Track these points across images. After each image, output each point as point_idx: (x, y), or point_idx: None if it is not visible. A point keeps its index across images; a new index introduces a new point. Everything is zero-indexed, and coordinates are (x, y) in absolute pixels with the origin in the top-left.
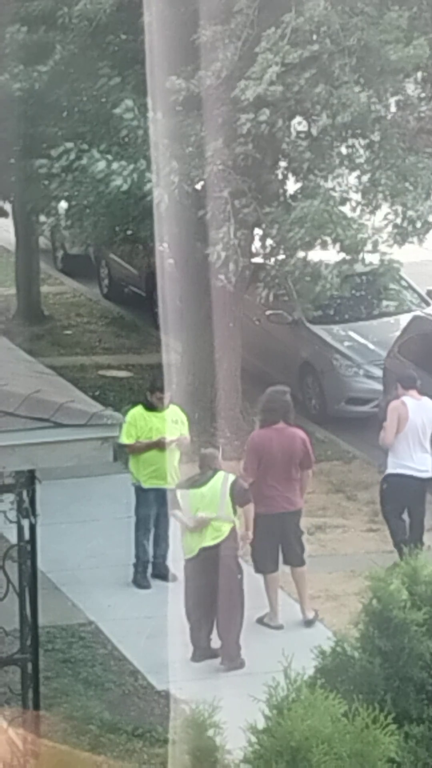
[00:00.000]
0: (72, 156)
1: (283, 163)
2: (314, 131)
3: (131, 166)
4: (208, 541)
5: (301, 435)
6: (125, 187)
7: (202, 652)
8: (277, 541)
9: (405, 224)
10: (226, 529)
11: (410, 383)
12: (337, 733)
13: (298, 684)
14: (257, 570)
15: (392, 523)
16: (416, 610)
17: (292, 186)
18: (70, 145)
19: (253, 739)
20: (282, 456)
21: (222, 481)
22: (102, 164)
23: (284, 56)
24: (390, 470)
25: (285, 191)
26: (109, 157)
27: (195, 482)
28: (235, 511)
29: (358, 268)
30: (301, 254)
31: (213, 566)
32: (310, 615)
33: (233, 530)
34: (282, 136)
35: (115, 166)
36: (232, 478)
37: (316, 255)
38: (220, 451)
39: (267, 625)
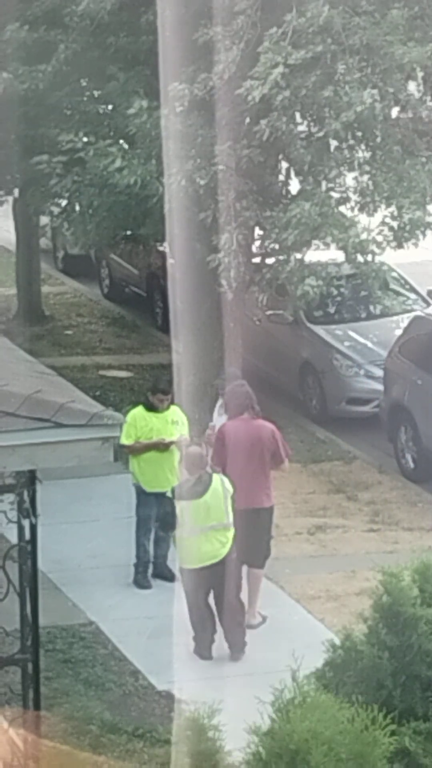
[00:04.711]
0: (79, 145)
1: (285, 165)
2: (317, 133)
3: (142, 165)
4: (219, 554)
5: (270, 427)
6: (137, 188)
7: (206, 654)
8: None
9: (401, 227)
10: (231, 534)
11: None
12: (337, 734)
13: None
14: None
15: None
16: (426, 608)
17: (295, 188)
18: (76, 138)
19: (253, 740)
20: (250, 446)
21: (221, 483)
22: (119, 162)
23: (287, 57)
24: None
25: (288, 193)
26: (125, 145)
27: (194, 491)
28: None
29: (345, 270)
30: (297, 256)
31: (220, 575)
32: (254, 621)
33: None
34: (287, 139)
35: (134, 162)
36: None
37: (312, 255)
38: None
39: None
